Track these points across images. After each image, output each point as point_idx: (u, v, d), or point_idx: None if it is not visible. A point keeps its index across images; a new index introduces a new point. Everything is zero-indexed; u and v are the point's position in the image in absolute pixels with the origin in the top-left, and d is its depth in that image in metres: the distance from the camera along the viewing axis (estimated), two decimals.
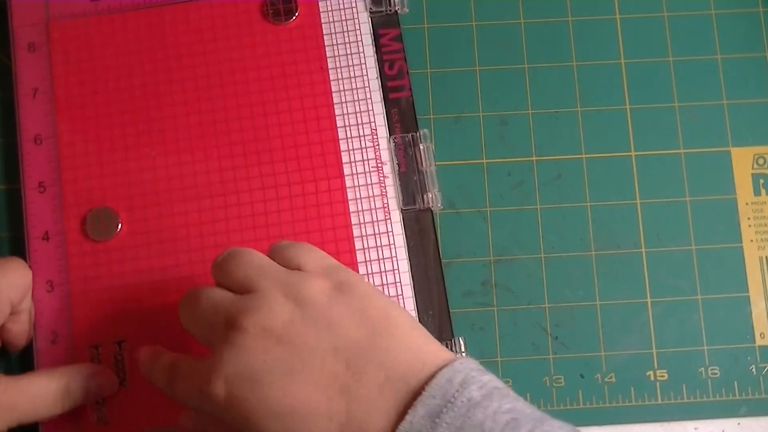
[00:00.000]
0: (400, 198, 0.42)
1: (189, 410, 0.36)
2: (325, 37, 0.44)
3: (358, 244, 0.42)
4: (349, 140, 0.43)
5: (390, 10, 0.45)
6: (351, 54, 0.44)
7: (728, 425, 0.42)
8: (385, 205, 0.42)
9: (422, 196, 0.42)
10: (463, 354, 0.41)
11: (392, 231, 0.42)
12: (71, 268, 0.41)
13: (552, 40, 0.46)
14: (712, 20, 0.47)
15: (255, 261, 0.35)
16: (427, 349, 0.33)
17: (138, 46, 0.44)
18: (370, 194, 0.42)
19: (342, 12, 0.44)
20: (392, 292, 0.41)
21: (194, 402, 0.33)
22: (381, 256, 0.42)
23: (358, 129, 0.43)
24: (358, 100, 0.43)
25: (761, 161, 0.45)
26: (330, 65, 0.44)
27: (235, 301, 0.33)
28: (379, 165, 0.43)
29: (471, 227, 0.44)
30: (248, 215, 0.42)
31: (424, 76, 0.45)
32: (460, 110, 0.45)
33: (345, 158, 0.43)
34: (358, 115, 0.43)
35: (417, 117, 0.44)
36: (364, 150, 0.43)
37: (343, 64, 0.44)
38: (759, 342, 0.43)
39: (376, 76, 0.44)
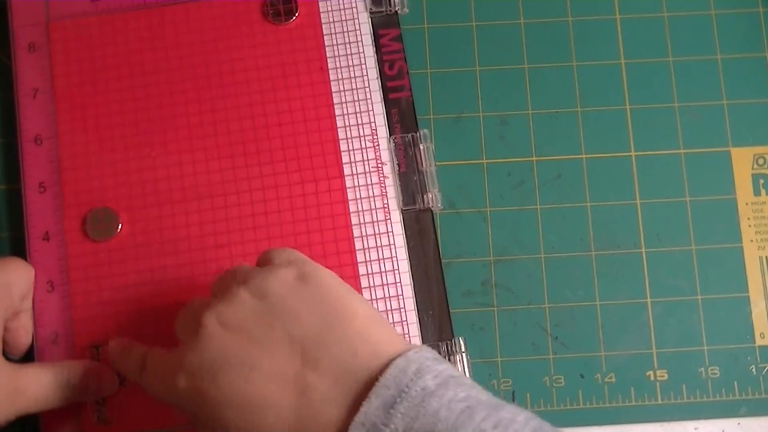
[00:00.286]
0: (400, 198, 0.42)
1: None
2: (325, 37, 0.44)
3: (358, 244, 0.42)
4: (349, 140, 0.43)
5: (390, 11, 0.45)
6: (351, 54, 0.44)
7: (728, 425, 0.42)
8: (385, 205, 0.42)
9: (422, 196, 0.42)
10: (463, 353, 0.41)
11: (392, 231, 0.42)
12: (71, 268, 0.41)
13: (552, 40, 0.46)
14: (712, 20, 0.47)
15: (237, 270, 0.36)
16: (384, 340, 0.32)
17: (138, 46, 0.44)
18: (370, 194, 0.42)
19: (342, 12, 0.44)
20: (392, 292, 0.41)
21: (162, 394, 0.34)
22: (381, 256, 0.42)
23: (358, 129, 0.43)
24: (358, 100, 0.43)
25: (761, 161, 0.45)
26: (330, 65, 0.44)
27: (204, 303, 0.34)
28: (379, 165, 0.43)
29: (471, 227, 0.44)
30: (248, 215, 0.42)
31: (424, 76, 0.46)
32: (460, 110, 0.45)
33: (345, 158, 0.43)
34: (358, 115, 0.43)
35: (417, 117, 0.44)
36: (364, 150, 0.43)
37: (343, 64, 0.44)
38: (759, 342, 0.43)
39: (376, 76, 0.44)
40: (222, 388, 0.31)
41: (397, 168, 0.43)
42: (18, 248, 0.42)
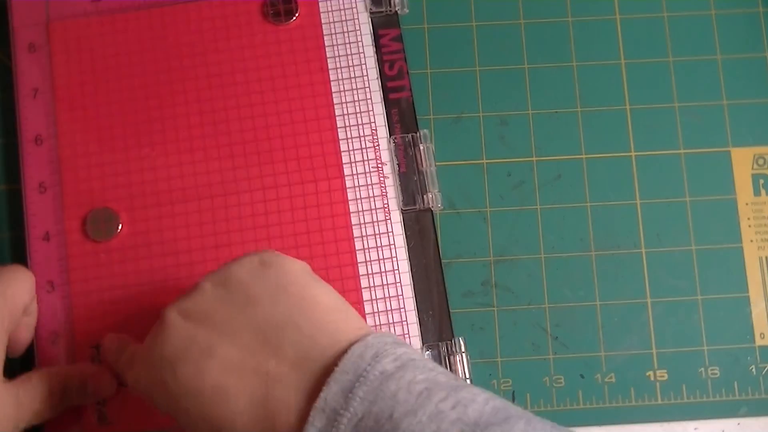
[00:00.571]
0: (400, 198, 0.42)
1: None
2: (325, 37, 0.44)
3: (358, 245, 0.42)
4: (349, 140, 0.43)
5: (390, 11, 0.45)
6: (351, 54, 0.44)
7: (728, 425, 0.42)
8: (385, 206, 0.42)
9: (422, 197, 0.42)
10: (463, 353, 0.41)
11: (392, 231, 0.42)
12: (71, 268, 0.41)
13: (552, 40, 0.46)
14: (712, 20, 0.47)
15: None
16: (344, 327, 0.32)
17: (138, 47, 0.44)
18: (371, 194, 0.42)
19: (342, 12, 0.44)
20: (392, 292, 0.41)
21: (138, 389, 0.34)
22: (381, 257, 0.42)
23: (359, 129, 0.43)
24: (359, 101, 0.43)
25: (761, 161, 0.45)
26: (330, 65, 0.44)
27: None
28: (380, 165, 0.43)
29: (471, 227, 0.44)
30: (248, 215, 0.42)
31: (424, 76, 0.45)
32: (460, 110, 0.45)
33: (345, 158, 0.43)
34: (358, 115, 0.43)
35: (417, 117, 0.44)
36: (364, 150, 0.43)
37: (343, 64, 0.44)
38: (759, 342, 0.43)
39: (376, 76, 0.44)
40: (180, 377, 0.32)
41: (397, 168, 0.43)
42: (18, 248, 0.42)
